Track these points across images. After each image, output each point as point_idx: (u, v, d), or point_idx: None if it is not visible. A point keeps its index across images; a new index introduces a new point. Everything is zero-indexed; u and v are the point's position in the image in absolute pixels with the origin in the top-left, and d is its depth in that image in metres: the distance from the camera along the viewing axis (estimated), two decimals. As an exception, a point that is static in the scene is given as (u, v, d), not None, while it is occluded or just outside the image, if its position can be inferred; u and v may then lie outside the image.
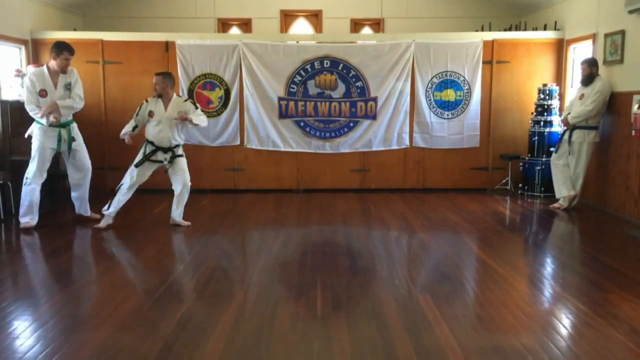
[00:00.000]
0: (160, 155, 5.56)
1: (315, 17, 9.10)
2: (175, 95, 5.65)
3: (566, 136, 6.48)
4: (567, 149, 6.48)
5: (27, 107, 5.48)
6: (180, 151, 5.66)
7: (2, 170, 6.09)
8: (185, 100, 5.67)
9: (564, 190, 6.50)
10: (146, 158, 5.53)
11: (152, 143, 5.56)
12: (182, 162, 5.63)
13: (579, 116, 6.27)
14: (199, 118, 5.53)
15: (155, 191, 7.48)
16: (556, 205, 6.57)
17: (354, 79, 7.49)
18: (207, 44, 7.44)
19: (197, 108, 5.60)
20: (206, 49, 7.43)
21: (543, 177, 7.19)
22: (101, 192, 7.57)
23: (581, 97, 6.35)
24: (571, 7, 7.31)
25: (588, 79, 6.29)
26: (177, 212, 5.65)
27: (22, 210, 5.56)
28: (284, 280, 4.16)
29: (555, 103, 7.26)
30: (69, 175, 5.87)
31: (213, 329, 3.16)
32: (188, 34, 7.69)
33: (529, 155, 7.37)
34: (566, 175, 6.50)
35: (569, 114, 6.45)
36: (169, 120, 5.48)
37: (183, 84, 7.46)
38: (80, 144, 5.83)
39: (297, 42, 7.61)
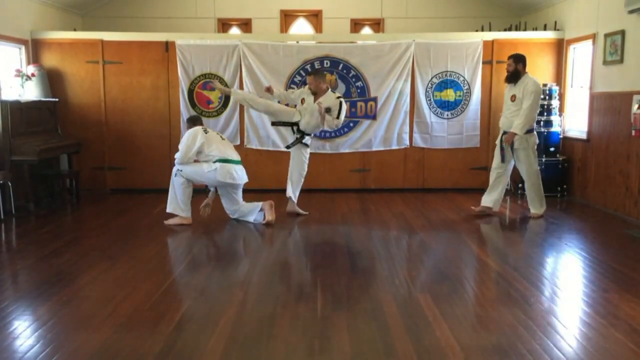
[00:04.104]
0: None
1: (315, 17, 9.10)
2: (330, 90, 6.02)
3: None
4: (511, 156, 6.02)
5: None
6: (309, 140, 6.16)
7: (2, 170, 6.08)
8: (337, 98, 5.94)
9: (489, 199, 6.15)
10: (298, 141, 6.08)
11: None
12: (305, 150, 6.12)
13: (526, 123, 5.80)
14: (330, 121, 5.86)
15: (156, 191, 7.49)
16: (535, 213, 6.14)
17: (354, 79, 7.49)
18: (207, 44, 7.44)
19: (340, 111, 5.84)
20: (206, 49, 7.43)
21: (543, 177, 7.15)
22: (101, 192, 7.59)
23: (513, 98, 5.92)
24: (571, 7, 7.31)
25: (513, 76, 5.90)
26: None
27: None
28: (284, 280, 4.16)
29: (555, 103, 7.26)
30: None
31: (213, 329, 3.16)
32: (188, 34, 7.69)
33: (529, 155, 7.36)
34: (503, 187, 6.15)
35: (505, 132, 5.97)
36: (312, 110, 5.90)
37: (183, 84, 7.46)
38: None
39: (297, 42, 7.61)
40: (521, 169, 6.08)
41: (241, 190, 5.90)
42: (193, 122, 5.96)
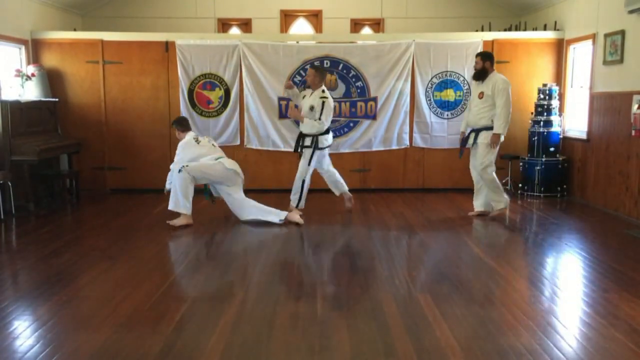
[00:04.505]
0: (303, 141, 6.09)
1: (315, 17, 9.10)
2: (321, 89, 5.98)
3: (471, 139, 6.01)
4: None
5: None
6: (307, 142, 5.99)
7: (2, 170, 6.08)
8: (321, 97, 5.91)
9: (479, 204, 6.18)
10: (296, 144, 6.12)
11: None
12: (306, 152, 6.02)
13: (505, 122, 5.77)
14: (309, 125, 5.92)
15: (156, 191, 7.49)
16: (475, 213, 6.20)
17: (354, 79, 7.49)
18: (207, 44, 7.44)
19: (322, 112, 5.84)
20: (206, 49, 7.44)
21: (543, 177, 7.20)
22: (101, 192, 7.59)
23: (480, 95, 5.88)
24: (571, 7, 7.31)
25: (480, 74, 5.88)
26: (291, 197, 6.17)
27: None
28: (284, 280, 4.16)
29: (555, 103, 7.26)
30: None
31: (213, 329, 3.16)
32: (188, 34, 7.69)
33: (529, 155, 7.37)
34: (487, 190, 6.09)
35: (473, 130, 5.99)
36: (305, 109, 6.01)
37: (183, 84, 7.46)
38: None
39: (297, 42, 7.61)
40: (476, 162, 6.00)
41: (242, 189, 5.92)
42: (182, 125, 5.99)
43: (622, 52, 6.14)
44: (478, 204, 6.21)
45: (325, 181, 6.38)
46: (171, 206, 5.65)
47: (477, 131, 5.97)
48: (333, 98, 7.29)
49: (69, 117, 7.49)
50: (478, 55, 6.05)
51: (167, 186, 5.74)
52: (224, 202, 5.96)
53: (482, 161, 5.94)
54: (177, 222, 5.65)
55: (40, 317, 3.37)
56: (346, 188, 6.37)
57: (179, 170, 5.56)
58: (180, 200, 5.58)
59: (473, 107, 6.07)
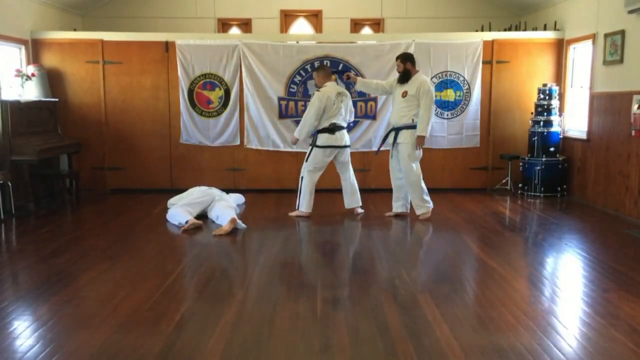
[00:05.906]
0: None
1: (315, 17, 9.10)
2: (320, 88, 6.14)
3: (391, 139, 5.92)
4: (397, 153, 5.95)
5: None
6: (311, 141, 6.21)
7: (2, 170, 6.08)
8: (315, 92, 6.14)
9: (398, 205, 6.13)
10: None
11: None
12: (310, 151, 6.14)
13: (428, 123, 5.75)
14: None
15: (155, 191, 7.50)
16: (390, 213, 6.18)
17: (354, 79, 7.48)
18: (207, 44, 7.44)
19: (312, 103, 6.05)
20: (206, 49, 7.43)
21: (543, 177, 7.20)
22: (101, 192, 7.59)
23: (404, 94, 5.79)
24: (571, 7, 7.31)
25: (404, 76, 5.81)
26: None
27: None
28: (284, 280, 4.16)
29: (555, 103, 7.26)
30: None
31: (213, 329, 3.16)
32: (188, 34, 7.69)
33: (529, 155, 7.37)
34: (405, 191, 6.06)
35: (394, 128, 5.91)
36: None
37: (183, 84, 7.46)
38: None
39: (297, 42, 7.61)
40: (400, 163, 5.94)
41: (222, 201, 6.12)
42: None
43: (622, 52, 6.14)
44: (397, 206, 6.15)
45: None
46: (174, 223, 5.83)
47: (397, 130, 5.88)
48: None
49: (69, 117, 7.49)
50: (397, 58, 5.96)
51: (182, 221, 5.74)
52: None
53: (405, 162, 5.86)
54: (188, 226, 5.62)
55: (40, 317, 3.37)
56: (356, 205, 6.27)
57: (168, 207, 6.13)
58: (177, 220, 5.76)
59: (395, 105, 5.98)
